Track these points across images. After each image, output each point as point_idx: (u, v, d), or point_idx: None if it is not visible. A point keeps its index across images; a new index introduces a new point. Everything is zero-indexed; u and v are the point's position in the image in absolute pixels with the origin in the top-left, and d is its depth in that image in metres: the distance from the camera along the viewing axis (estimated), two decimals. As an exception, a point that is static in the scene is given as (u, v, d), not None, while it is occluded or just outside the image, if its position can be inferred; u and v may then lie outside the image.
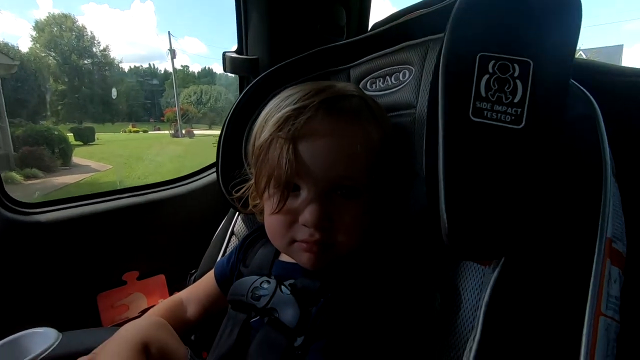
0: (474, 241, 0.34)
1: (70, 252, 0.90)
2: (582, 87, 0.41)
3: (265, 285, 0.50)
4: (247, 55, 1.02)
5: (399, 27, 0.54)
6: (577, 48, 0.33)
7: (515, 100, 0.31)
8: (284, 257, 0.54)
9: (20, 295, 0.84)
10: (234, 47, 1.05)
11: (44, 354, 0.58)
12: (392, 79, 0.55)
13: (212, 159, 1.19)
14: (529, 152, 0.31)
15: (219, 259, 0.72)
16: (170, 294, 1.06)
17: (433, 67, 0.48)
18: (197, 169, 1.20)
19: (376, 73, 0.58)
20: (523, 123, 0.31)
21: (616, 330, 0.33)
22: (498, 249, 0.35)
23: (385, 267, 0.49)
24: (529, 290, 0.34)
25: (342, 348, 0.41)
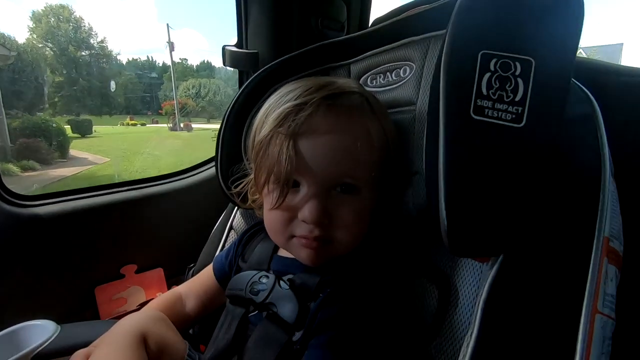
0: (473, 239, 0.34)
1: (68, 245, 0.90)
2: (582, 86, 0.41)
3: (264, 280, 0.50)
4: (247, 49, 1.01)
5: (400, 23, 0.54)
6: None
7: (517, 99, 0.31)
8: (282, 253, 0.54)
9: (18, 288, 0.84)
10: (234, 40, 1.04)
11: (42, 346, 0.58)
12: (393, 75, 0.55)
13: (211, 153, 1.19)
14: (529, 151, 0.32)
15: (217, 253, 0.72)
16: (168, 287, 1.06)
17: (434, 64, 0.48)
18: (195, 164, 1.19)
19: (377, 69, 0.57)
20: (524, 122, 0.31)
21: (612, 327, 0.33)
22: (497, 246, 0.35)
23: (383, 264, 0.49)
24: (527, 287, 0.34)
25: (341, 343, 0.41)
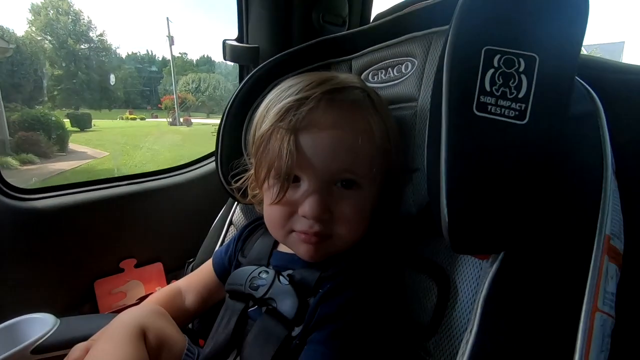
0: (474, 236, 0.34)
1: (67, 239, 0.90)
2: (585, 84, 0.41)
3: (263, 276, 0.50)
4: (247, 43, 1.01)
5: (402, 18, 0.54)
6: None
7: (520, 96, 0.31)
8: (282, 248, 0.54)
9: (17, 281, 0.84)
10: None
11: (42, 340, 0.58)
12: (395, 71, 0.55)
13: (211, 148, 1.19)
14: (532, 148, 0.31)
15: (217, 248, 0.72)
16: (168, 282, 1.06)
17: (436, 59, 0.48)
18: (194, 159, 1.19)
19: (378, 65, 0.57)
20: (527, 119, 0.31)
21: (611, 326, 0.33)
22: (498, 243, 0.35)
23: (383, 260, 0.49)
24: (528, 284, 0.34)
25: (340, 339, 0.41)
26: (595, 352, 0.30)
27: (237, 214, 0.75)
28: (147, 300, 0.60)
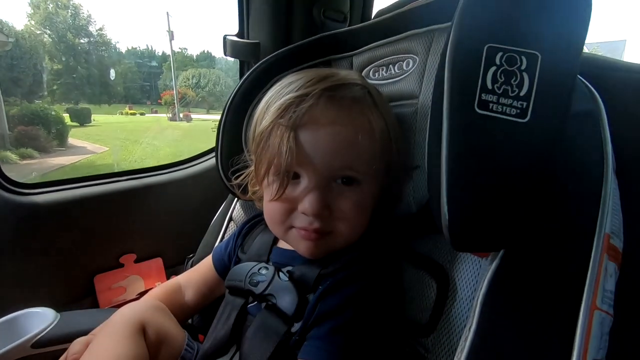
0: (474, 234, 0.34)
1: (67, 234, 0.90)
2: (586, 82, 0.41)
3: (263, 272, 0.50)
4: (248, 39, 1.00)
5: (404, 15, 0.53)
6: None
7: (522, 94, 0.31)
8: (282, 244, 0.54)
9: (18, 275, 0.84)
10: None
11: (42, 334, 0.58)
12: (396, 68, 0.55)
13: (211, 144, 1.19)
14: (533, 146, 0.31)
15: (216, 244, 0.72)
16: (167, 277, 1.06)
17: (437, 57, 0.48)
18: (194, 154, 1.19)
19: (379, 61, 0.57)
20: (528, 117, 0.31)
21: (610, 324, 0.33)
22: (498, 241, 0.36)
23: (382, 257, 0.49)
24: (527, 282, 0.34)
25: (339, 335, 0.42)
26: (594, 350, 0.31)
27: (237, 210, 0.75)
28: (147, 295, 0.60)
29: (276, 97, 0.48)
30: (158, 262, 1.07)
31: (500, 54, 0.31)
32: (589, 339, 0.30)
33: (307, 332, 0.43)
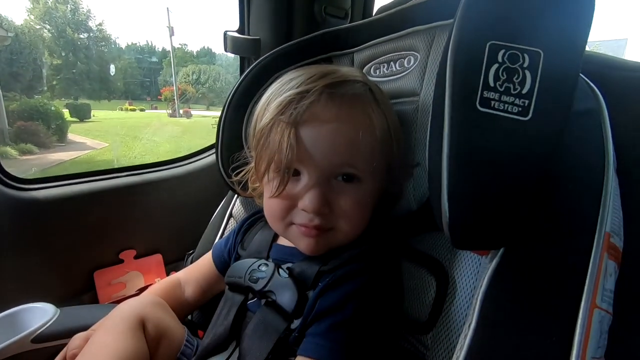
0: (475, 232, 0.34)
1: (67, 229, 0.90)
2: (589, 81, 0.40)
3: (263, 268, 0.50)
4: (248, 35, 1.00)
5: (405, 12, 0.53)
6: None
7: (524, 92, 0.31)
8: (282, 241, 0.54)
9: (18, 271, 0.84)
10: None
11: (42, 329, 0.59)
12: (397, 65, 0.54)
13: (211, 140, 1.19)
14: (534, 145, 0.31)
15: (216, 240, 0.72)
16: (167, 274, 1.07)
17: (439, 54, 0.48)
18: (194, 151, 1.19)
19: (380, 59, 0.57)
20: (530, 115, 0.31)
21: (609, 322, 0.33)
22: (498, 239, 0.36)
23: (382, 255, 0.49)
24: (527, 280, 0.34)
25: (339, 332, 0.42)
26: (593, 348, 0.31)
27: (237, 206, 0.75)
28: (147, 291, 0.60)
29: (277, 93, 0.48)
30: (158, 258, 1.07)
31: (502, 51, 0.31)
32: (588, 337, 0.30)
33: (306, 329, 0.43)
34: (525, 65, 0.31)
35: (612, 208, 0.35)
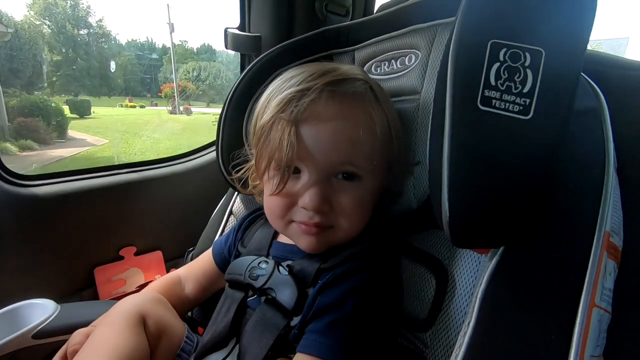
0: (475, 230, 0.34)
1: (67, 226, 0.90)
2: (590, 79, 0.40)
3: (263, 266, 0.50)
4: (249, 32, 1.00)
5: (407, 9, 0.53)
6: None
7: (525, 91, 0.31)
8: (282, 239, 0.54)
9: (18, 267, 0.84)
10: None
11: (43, 325, 0.59)
12: (398, 63, 0.54)
13: (211, 137, 1.18)
14: (535, 144, 0.31)
15: (216, 238, 0.72)
16: (167, 270, 1.07)
17: (440, 52, 0.48)
18: (194, 148, 1.19)
19: (381, 56, 0.57)
20: (531, 114, 0.31)
21: (608, 321, 0.33)
22: (498, 238, 0.36)
23: (382, 253, 0.49)
24: (526, 279, 0.34)
25: (338, 329, 0.42)
26: (592, 347, 0.31)
27: (237, 204, 0.75)
28: (147, 287, 0.60)
29: (277, 91, 0.47)
30: (158, 255, 1.08)
31: (504, 50, 0.31)
32: (587, 335, 0.30)
33: (306, 326, 0.43)
34: (527, 64, 0.31)
35: (612, 207, 0.35)
